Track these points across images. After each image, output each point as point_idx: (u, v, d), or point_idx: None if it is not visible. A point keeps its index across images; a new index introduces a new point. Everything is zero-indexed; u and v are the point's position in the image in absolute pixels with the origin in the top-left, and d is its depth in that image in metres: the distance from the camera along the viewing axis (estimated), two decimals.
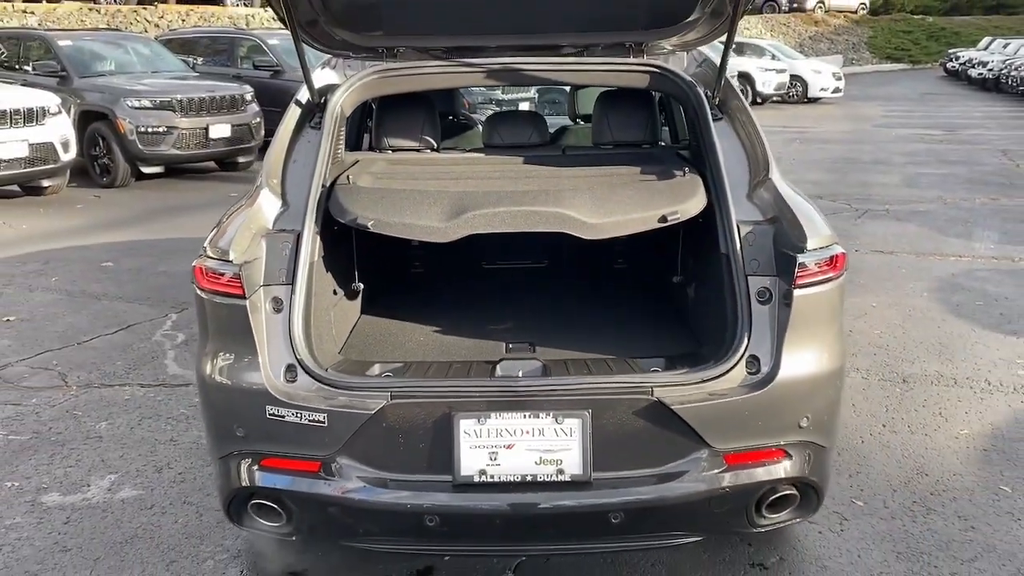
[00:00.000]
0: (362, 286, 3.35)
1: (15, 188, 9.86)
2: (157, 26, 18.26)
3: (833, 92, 24.04)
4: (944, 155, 13.59)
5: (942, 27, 44.58)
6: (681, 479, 2.42)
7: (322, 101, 3.05)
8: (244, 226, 2.57)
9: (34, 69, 11.21)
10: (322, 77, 3.29)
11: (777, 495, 2.54)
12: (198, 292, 2.57)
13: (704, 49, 3.52)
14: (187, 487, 3.60)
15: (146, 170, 10.69)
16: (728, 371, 2.45)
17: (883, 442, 3.96)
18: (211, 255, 2.53)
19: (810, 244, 2.48)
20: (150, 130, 10.35)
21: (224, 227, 2.64)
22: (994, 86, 27.74)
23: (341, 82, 3.12)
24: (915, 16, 46.25)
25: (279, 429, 2.43)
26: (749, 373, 2.47)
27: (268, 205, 2.73)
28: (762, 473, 2.48)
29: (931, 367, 4.86)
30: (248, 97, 11.40)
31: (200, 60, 13.38)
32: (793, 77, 23.63)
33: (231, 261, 2.47)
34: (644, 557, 3.06)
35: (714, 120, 2.94)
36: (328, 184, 2.89)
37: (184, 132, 10.56)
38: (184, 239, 7.89)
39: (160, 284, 6.55)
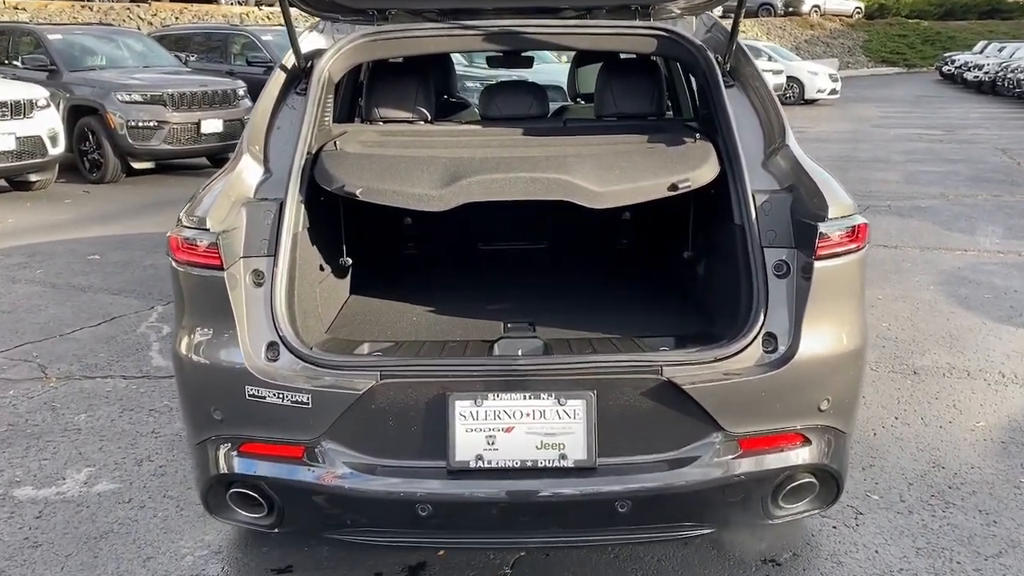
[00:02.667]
0: (350, 261, 3.16)
1: (2, 183, 9.69)
2: (150, 23, 18.11)
3: (830, 94, 23.88)
4: (944, 154, 13.46)
5: (937, 31, 44.60)
6: (693, 465, 2.25)
7: (308, 66, 2.87)
8: (223, 194, 2.40)
9: (23, 63, 11.01)
10: (309, 41, 3.12)
11: (795, 483, 2.37)
12: (173, 264, 2.42)
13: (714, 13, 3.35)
14: (167, 480, 3.43)
15: (136, 165, 10.50)
16: (743, 349, 2.28)
17: (896, 435, 3.80)
18: (187, 224, 2.37)
19: (831, 213, 2.32)
20: (140, 124, 10.13)
21: (201, 196, 2.47)
22: (990, 89, 27.73)
23: (329, 46, 2.94)
24: (910, 20, 46.25)
25: (259, 411, 2.26)
26: (766, 351, 2.30)
27: (249, 172, 2.55)
28: (779, 459, 2.31)
29: (942, 359, 4.70)
30: (241, 92, 11.19)
31: (194, 56, 13.21)
32: (790, 79, 23.39)
33: (208, 230, 2.31)
34: (650, 552, 2.89)
35: (726, 87, 2.77)
36: (314, 152, 2.72)
37: (175, 127, 10.33)
38: None
39: (147, 277, 6.38)
